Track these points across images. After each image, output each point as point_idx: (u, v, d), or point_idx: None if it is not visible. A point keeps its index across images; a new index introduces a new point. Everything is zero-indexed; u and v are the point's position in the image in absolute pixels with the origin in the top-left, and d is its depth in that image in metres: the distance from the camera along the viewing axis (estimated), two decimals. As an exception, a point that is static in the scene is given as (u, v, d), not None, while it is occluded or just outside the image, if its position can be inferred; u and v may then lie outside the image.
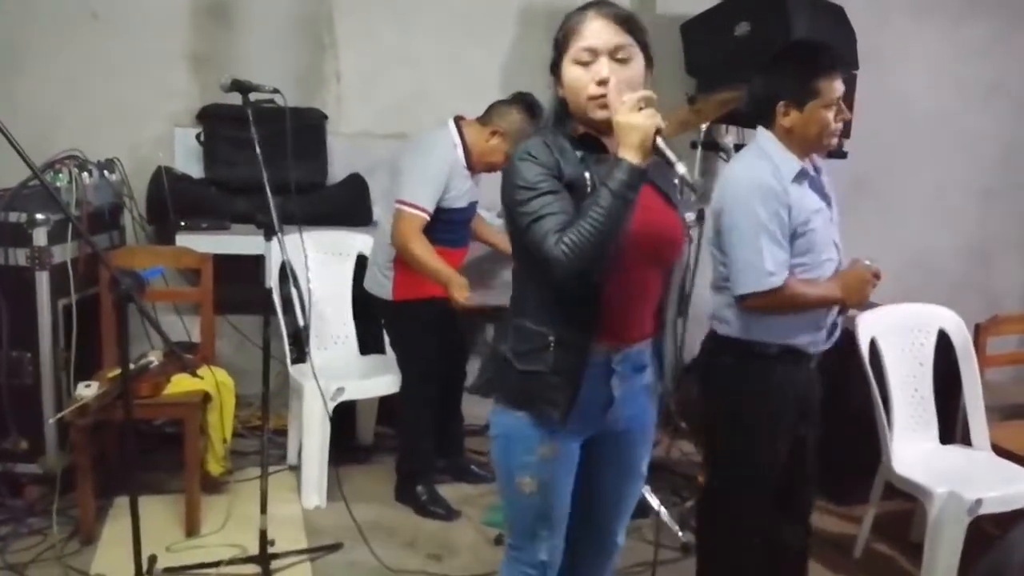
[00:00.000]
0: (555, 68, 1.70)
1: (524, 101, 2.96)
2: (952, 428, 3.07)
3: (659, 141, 1.56)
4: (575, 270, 1.56)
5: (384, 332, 3.32)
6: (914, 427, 2.92)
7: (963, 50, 4.38)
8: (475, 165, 3.02)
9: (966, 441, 3.01)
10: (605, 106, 1.63)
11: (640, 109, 1.57)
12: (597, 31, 1.64)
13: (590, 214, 1.55)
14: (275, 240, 2.42)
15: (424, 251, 2.87)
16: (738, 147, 3.32)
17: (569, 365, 1.68)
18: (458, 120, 3.04)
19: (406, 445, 3.19)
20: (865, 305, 2.22)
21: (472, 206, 3.09)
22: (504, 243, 2.92)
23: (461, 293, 2.79)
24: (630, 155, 1.56)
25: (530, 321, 1.70)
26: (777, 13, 3.43)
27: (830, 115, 2.13)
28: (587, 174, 1.64)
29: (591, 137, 1.69)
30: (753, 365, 2.25)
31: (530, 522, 1.80)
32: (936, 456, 2.90)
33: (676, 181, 1.76)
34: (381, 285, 3.04)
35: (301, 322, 2.61)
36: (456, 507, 3.12)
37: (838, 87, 2.12)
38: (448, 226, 2.98)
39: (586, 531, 1.91)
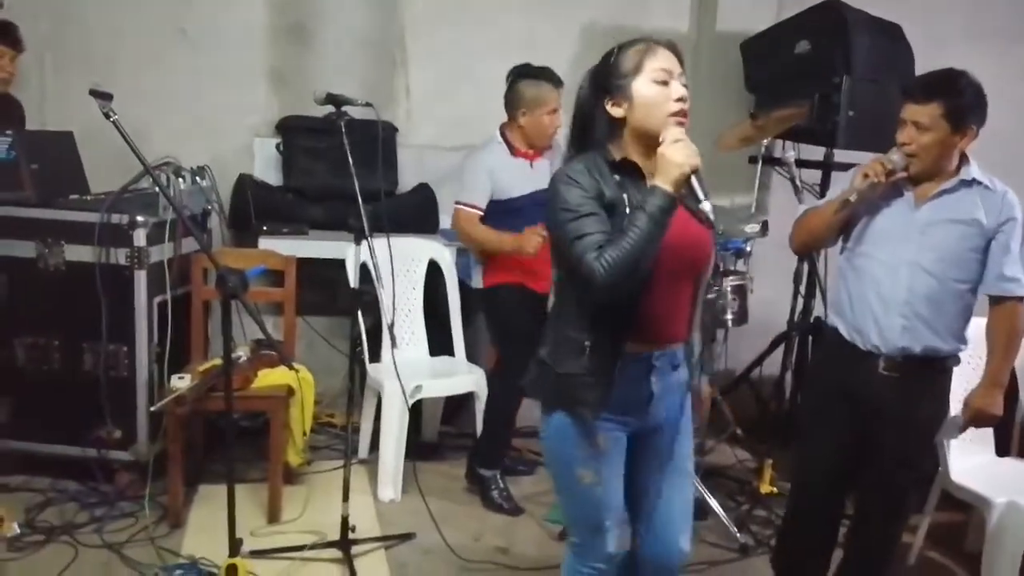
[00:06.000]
0: (613, 90, 1.82)
1: (514, 73, 3.14)
2: (1007, 442, 3.12)
3: (692, 179, 1.72)
4: (611, 283, 1.71)
5: (453, 334, 3.49)
6: (971, 438, 2.95)
7: (1017, 72, 4.41)
8: (533, 153, 3.20)
9: (1022, 455, 3.06)
10: (683, 123, 1.78)
11: (676, 142, 1.73)
12: (668, 56, 1.81)
13: (628, 234, 1.70)
14: (363, 243, 2.58)
15: (482, 232, 3.12)
16: (799, 162, 3.40)
17: (602, 367, 1.82)
18: (503, 126, 3.24)
19: (491, 428, 3.27)
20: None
21: (534, 195, 3.15)
22: None
23: (530, 239, 2.95)
24: (667, 185, 1.71)
25: (570, 328, 1.85)
26: (837, 32, 3.53)
27: (900, 133, 2.30)
28: (625, 196, 1.79)
29: (628, 162, 1.83)
30: (819, 348, 2.48)
31: (595, 514, 1.91)
32: (993, 467, 2.96)
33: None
34: (473, 275, 3.31)
35: (388, 321, 2.75)
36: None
37: (907, 108, 2.29)
38: (509, 216, 3.14)
39: (648, 537, 2.00)
